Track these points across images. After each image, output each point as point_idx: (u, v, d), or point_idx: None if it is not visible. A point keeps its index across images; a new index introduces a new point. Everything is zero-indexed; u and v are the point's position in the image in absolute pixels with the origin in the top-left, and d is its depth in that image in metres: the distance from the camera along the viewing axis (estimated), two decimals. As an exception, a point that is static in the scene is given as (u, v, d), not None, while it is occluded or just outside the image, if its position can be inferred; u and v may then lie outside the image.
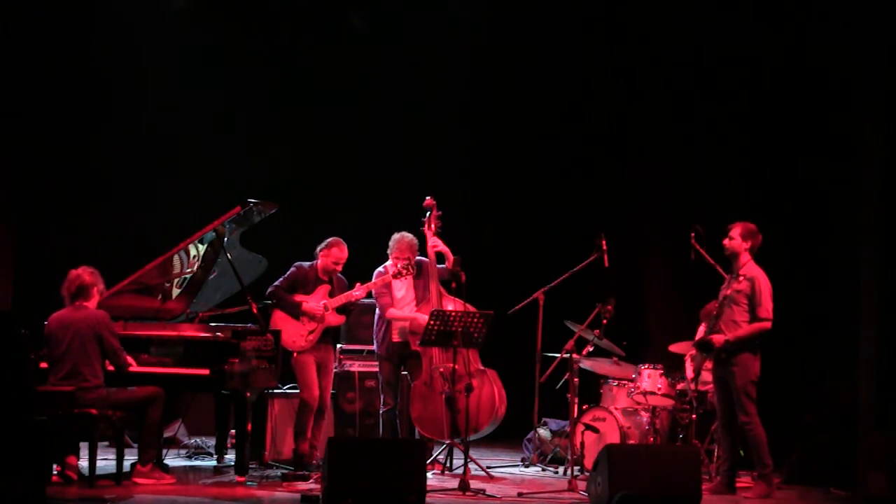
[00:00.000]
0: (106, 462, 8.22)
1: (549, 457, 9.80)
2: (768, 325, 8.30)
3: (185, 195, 11.15)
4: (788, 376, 9.67)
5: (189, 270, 8.80)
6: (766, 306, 8.30)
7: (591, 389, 9.98)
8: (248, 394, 8.19)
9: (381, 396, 9.28)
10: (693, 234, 8.77)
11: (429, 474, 7.89)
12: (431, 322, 8.55)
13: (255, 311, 8.39)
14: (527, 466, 9.61)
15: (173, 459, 9.17)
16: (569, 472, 8.58)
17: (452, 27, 11.65)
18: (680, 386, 9.22)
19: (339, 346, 9.86)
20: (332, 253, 8.96)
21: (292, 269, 9.04)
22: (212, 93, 11.41)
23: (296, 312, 8.88)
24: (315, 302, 8.92)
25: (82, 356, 7.83)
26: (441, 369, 8.98)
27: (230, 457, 9.05)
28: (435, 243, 9.14)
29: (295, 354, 8.89)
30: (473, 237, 11.12)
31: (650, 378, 9.29)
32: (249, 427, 8.21)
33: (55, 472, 7.91)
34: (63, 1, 11.09)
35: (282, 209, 8.78)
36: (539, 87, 11.88)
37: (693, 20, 10.89)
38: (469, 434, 8.66)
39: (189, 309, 8.96)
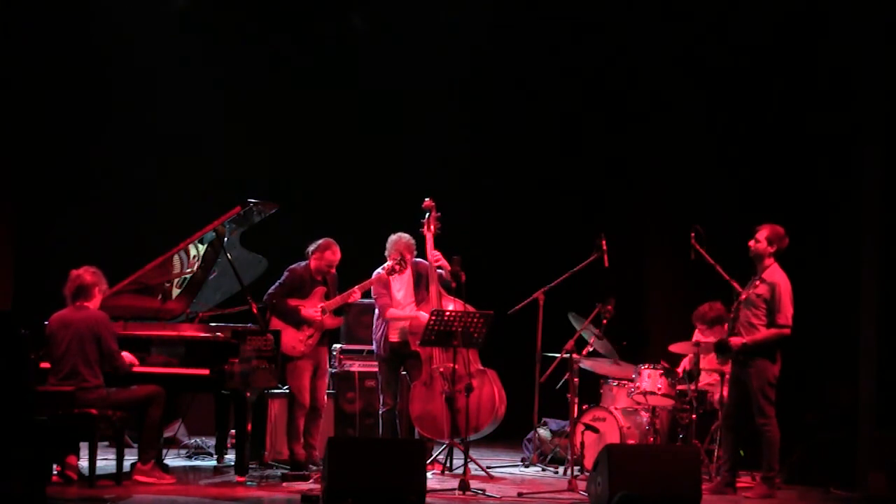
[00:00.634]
0: (106, 462, 8.21)
1: (549, 457, 9.81)
2: (787, 331, 8.28)
3: (185, 195, 11.15)
4: (788, 376, 9.65)
5: (189, 270, 8.80)
6: (786, 313, 8.27)
7: (591, 389, 9.98)
8: (248, 394, 8.18)
9: (381, 396, 9.28)
10: (693, 234, 8.76)
11: (429, 474, 7.88)
12: (431, 322, 8.56)
13: (255, 311, 8.39)
14: (527, 466, 9.62)
15: (173, 459, 9.17)
16: (569, 472, 8.59)
17: (452, 26, 11.64)
18: (680, 387, 9.22)
19: (338, 346, 9.87)
20: (326, 256, 8.93)
21: (286, 274, 8.99)
22: (212, 92, 11.41)
23: (295, 319, 8.86)
24: (312, 306, 8.90)
25: (82, 356, 7.82)
26: (441, 369, 8.98)
27: (230, 457, 9.05)
28: (437, 256, 9.13)
29: (292, 359, 8.87)
30: (473, 237, 11.11)
31: (650, 378, 9.28)
32: (249, 427, 8.20)
33: (55, 472, 7.91)
34: (63, 0, 11.09)
35: (282, 209, 8.78)
36: (539, 87, 11.89)
37: (693, 20, 10.89)
38: (469, 434, 8.66)
39: (189, 309, 8.95)
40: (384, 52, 11.69)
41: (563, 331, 9.48)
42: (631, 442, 9.11)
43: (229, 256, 8.50)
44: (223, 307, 9.13)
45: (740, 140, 10.69)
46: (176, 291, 8.86)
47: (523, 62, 11.81)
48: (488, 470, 8.91)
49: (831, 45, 9.86)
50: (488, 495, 7.93)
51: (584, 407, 9.45)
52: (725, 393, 8.83)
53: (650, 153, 11.56)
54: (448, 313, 8.57)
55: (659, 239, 11.34)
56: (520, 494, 8.02)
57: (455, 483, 8.05)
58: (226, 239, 8.53)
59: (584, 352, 9.58)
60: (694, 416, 8.96)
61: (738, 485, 8.47)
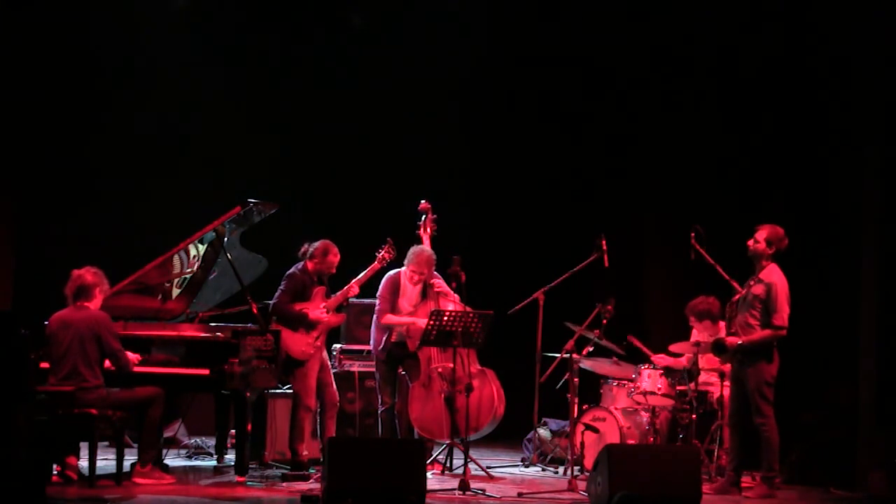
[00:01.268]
0: (106, 462, 8.21)
1: (549, 457, 9.80)
2: (783, 332, 8.29)
3: (184, 195, 11.14)
4: (788, 376, 9.65)
5: (189, 270, 8.80)
6: (782, 314, 8.27)
7: (591, 389, 9.98)
8: (248, 394, 8.18)
9: (379, 396, 9.28)
10: (693, 234, 8.77)
11: (429, 474, 7.88)
12: (431, 322, 8.55)
13: (255, 311, 8.38)
14: (527, 466, 9.62)
15: (173, 459, 9.17)
16: (569, 472, 8.59)
17: (452, 26, 11.64)
18: (680, 387, 9.23)
19: (338, 346, 9.86)
20: (328, 259, 8.91)
21: (287, 280, 8.92)
22: (212, 92, 11.41)
23: (304, 323, 8.83)
24: (315, 307, 8.90)
25: (82, 356, 7.82)
26: (440, 369, 8.98)
27: (230, 457, 9.05)
28: (441, 286, 9.13)
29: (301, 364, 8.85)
30: (473, 237, 11.12)
31: (650, 378, 9.29)
32: (249, 427, 8.21)
33: (55, 472, 7.91)
34: (63, 1, 11.09)
35: (282, 209, 8.78)
36: (539, 87, 11.89)
37: (693, 20, 10.89)
38: (469, 434, 8.66)
39: (189, 309, 8.95)
40: (384, 51, 11.68)
41: (563, 331, 9.48)
42: (631, 442, 9.11)
43: (229, 256, 8.50)
44: (223, 307, 9.13)
45: (740, 140, 10.69)
46: (176, 291, 8.86)
47: (523, 62, 11.81)
48: (488, 470, 8.91)
49: (831, 44, 9.86)
50: (488, 495, 7.93)
51: (584, 407, 9.45)
52: (725, 392, 8.85)
53: (650, 153, 11.55)
54: (447, 314, 8.57)
55: (659, 239, 11.33)
56: (520, 494, 8.02)
57: (455, 483, 8.05)
58: (226, 239, 8.53)
59: (584, 352, 9.58)
60: (694, 416, 8.96)
61: (742, 485, 8.46)
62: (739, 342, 8.31)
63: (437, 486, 8.05)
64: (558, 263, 9.70)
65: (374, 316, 9.23)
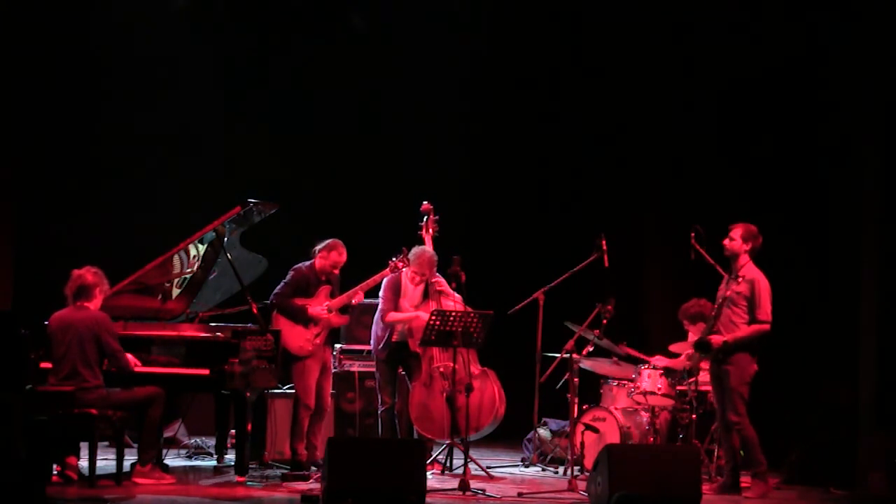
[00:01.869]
0: (106, 462, 8.21)
1: (549, 457, 9.80)
2: (767, 327, 8.31)
3: (184, 195, 11.15)
4: (788, 376, 9.67)
5: (189, 270, 8.80)
6: (765, 308, 8.30)
7: (591, 389, 9.97)
8: (248, 394, 8.18)
9: (379, 396, 9.28)
10: (693, 234, 8.78)
11: (429, 474, 7.88)
12: (432, 321, 8.56)
13: (255, 311, 8.38)
14: (527, 466, 9.62)
15: (173, 459, 9.17)
16: (569, 472, 8.59)
17: (452, 26, 11.64)
18: (680, 387, 9.23)
19: (338, 346, 9.86)
20: (332, 256, 8.94)
21: (292, 273, 8.99)
22: (212, 92, 11.41)
23: (302, 318, 8.86)
24: (318, 304, 8.91)
25: (82, 357, 7.82)
26: (441, 369, 8.98)
27: (230, 457, 9.04)
28: (442, 286, 9.14)
29: (299, 360, 8.87)
30: (473, 237, 11.11)
31: (650, 378, 9.29)
32: (249, 427, 8.20)
33: (55, 472, 7.91)
34: (63, 1, 11.09)
35: (282, 209, 8.78)
36: (539, 87, 11.89)
37: (693, 20, 10.89)
38: (470, 433, 8.66)
39: (189, 309, 8.95)
40: (384, 52, 11.68)
41: (564, 331, 9.48)
42: (631, 442, 9.11)
43: (229, 256, 8.50)
44: (223, 307, 9.13)
45: (740, 140, 10.69)
46: (176, 291, 8.86)
47: (523, 63, 11.80)
48: (488, 470, 8.91)
49: (831, 45, 9.86)
50: (488, 495, 7.93)
51: (584, 407, 9.45)
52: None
53: (650, 153, 11.55)
54: (448, 313, 8.57)
55: (659, 239, 11.34)
56: (520, 494, 8.02)
57: (455, 483, 8.05)
58: (226, 239, 8.53)
59: (584, 352, 9.58)
60: (694, 416, 8.95)
61: (741, 485, 8.46)
62: (724, 340, 8.31)
63: (437, 486, 8.06)
64: (558, 263, 9.70)
65: (376, 315, 9.23)
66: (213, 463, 9.20)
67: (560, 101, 11.86)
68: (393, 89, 11.74)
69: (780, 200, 10.31)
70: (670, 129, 11.27)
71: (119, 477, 7.85)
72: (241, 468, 8.19)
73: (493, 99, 11.94)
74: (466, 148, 11.89)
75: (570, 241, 10.43)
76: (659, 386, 9.25)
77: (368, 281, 9.03)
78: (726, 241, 8.48)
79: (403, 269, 9.05)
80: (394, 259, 9.02)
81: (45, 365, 7.95)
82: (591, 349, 9.60)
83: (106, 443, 8.51)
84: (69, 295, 8.01)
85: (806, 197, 10.20)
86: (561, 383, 9.68)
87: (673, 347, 9.45)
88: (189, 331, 8.65)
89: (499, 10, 11.71)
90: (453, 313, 8.56)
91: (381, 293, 9.18)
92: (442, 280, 9.18)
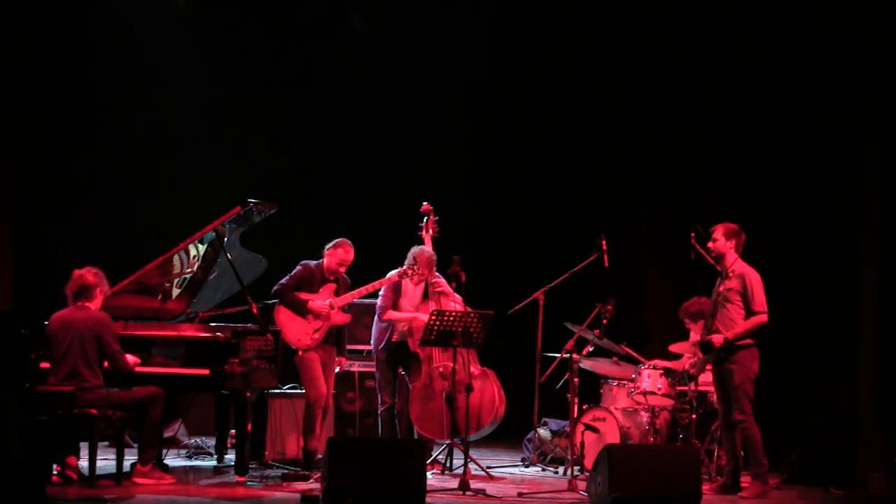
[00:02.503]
0: (106, 462, 8.21)
1: (549, 457, 9.80)
2: (764, 317, 8.32)
3: (184, 195, 11.15)
4: (788, 376, 9.67)
5: (189, 270, 8.80)
6: (759, 300, 8.33)
7: (591, 389, 9.98)
8: (248, 394, 8.18)
9: (379, 396, 9.29)
10: (693, 234, 8.77)
11: (429, 474, 7.88)
12: (432, 321, 8.56)
13: (255, 311, 8.39)
14: (527, 466, 9.62)
15: (173, 459, 9.17)
16: (569, 472, 8.59)
17: (452, 26, 11.64)
18: (680, 387, 9.23)
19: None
20: (338, 254, 8.97)
21: (298, 267, 9.04)
22: (212, 92, 11.41)
23: (302, 310, 8.88)
24: (321, 300, 8.92)
25: (82, 357, 7.82)
26: (441, 369, 8.99)
27: (230, 457, 9.05)
28: (442, 286, 9.15)
29: (300, 352, 8.89)
30: (473, 237, 11.11)
31: (650, 378, 9.29)
32: (249, 427, 8.20)
33: (55, 472, 7.90)
34: (63, 1, 11.09)
35: (282, 209, 8.78)
36: (539, 88, 11.89)
37: (692, 20, 10.89)
38: (470, 433, 8.66)
39: (189, 309, 8.95)
40: (384, 53, 11.68)
41: (564, 331, 9.48)
42: (631, 442, 9.11)
43: (229, 256, 8.50)
44: (223, 307, 9.14)
45: (740, 140, 10.70)
46: (176, 291, 8.86)
47: (523, 63, 11.80)
48: (488, 470, 8.91)
49: (831, 45, 9.86)
50: (488, 495, 7.93)
51: (584, 407, 9.46)
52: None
53: (650, 153, 11.56)
54: (448, 313, 8.58)
55: (659, 239, 11.34)
56: (520, 494, 8.02)
57: (455, 483, 8.05)
58: (226, 239, 8.53)
59: (584, 352, 9.58)
60: (694, 416, 8.96)
61: (741, 485, 8.46)
62: (725, 337, 8.32)
63: (437, 486, 8.05)
64: (558, 263, 9.70)
65: (376, 315, 9.24)
66: (213, 463, 9.20)
67: (560, 101, 11.85)
68: (393, 89, 11.74)
69: (780, 200, 10.31)
70: (670, 128, 11.27)
71: (119, 477, 7.85)
72: (241, 468, 8.19)
73: (493, 99, 11.93)
74: (466, 148, 11.89)
75: (570, 241, 10.43)
76: (659, 386, 9.25)
77: (375, 283, 9.04)
78: (710, 244, 8.54)
79: (411, 275, 9.07)
80: (404, 267, 9.04)
81: (45, 365, 7.94)
82: (591, 349, 9.61)
83: (106, 443, 8.51)
84: (69, 295, 8.01)
85: (806, 197, 10.20)
86: (561, 383, 9.69)
87: (673, 347, 9.45)
88: (189, 331, 8.65)
89: (499, 9, 11.70)
90: (453, 313, 8.57)
91: (380, 292, 9.19)
92: (442, 280, 9.19)
